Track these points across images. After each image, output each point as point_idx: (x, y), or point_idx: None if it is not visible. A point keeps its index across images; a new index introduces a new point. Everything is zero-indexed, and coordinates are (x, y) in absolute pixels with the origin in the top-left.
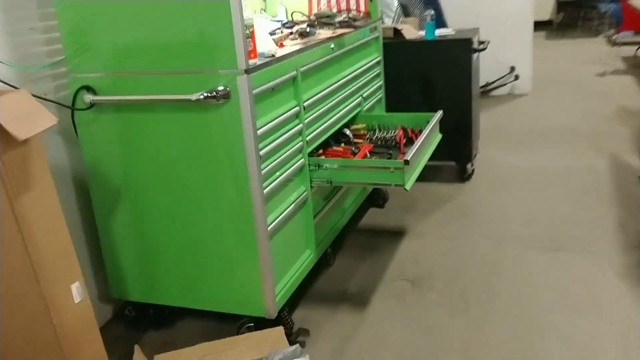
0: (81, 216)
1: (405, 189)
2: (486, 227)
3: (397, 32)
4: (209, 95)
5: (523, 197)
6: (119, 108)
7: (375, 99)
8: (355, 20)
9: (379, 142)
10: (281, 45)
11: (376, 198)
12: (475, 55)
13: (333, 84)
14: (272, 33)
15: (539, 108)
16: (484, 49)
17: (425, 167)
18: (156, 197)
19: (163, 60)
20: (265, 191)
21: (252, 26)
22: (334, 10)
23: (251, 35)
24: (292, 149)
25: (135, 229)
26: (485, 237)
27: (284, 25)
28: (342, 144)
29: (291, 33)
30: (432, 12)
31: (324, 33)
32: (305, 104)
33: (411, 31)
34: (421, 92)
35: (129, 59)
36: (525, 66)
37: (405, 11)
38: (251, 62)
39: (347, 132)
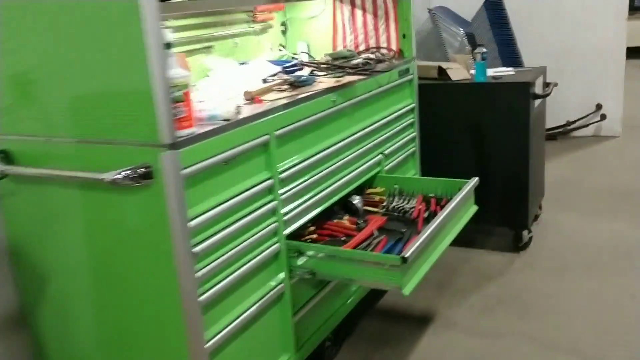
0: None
1: (403, 294)
2: (536, 327)
3: (442, 71)
4: (126, 175)
5: (593, 286)
6: (39, 180)
7: (404, 154)
8: (379, 61)
9: (396, 214)
10: (257, 101)
11: None
12: (537, 102)
13: (334, 145)
14: (265, 80)
15: (628, 157)
16: (547, 95)
17: (472, 228)
18: (80, 288)
19: (79, 124)
20: (202, 298)
21: (186, 86)
22: (362, 47)
23: (184, 98)
24: (260, 232)
25: (61, 321)
26: (534, 342)
27: (285, 69)
28: (348, 215)
29: (283, 82)
30: (484, 50)
31: (325, 81)
32: (283, 175)
33: (460, 72)
34: (468, 145)
35: (43, 121)
36: (615, 104)
37: (471, 41)
38: (184, 132)
39: (355, 201)
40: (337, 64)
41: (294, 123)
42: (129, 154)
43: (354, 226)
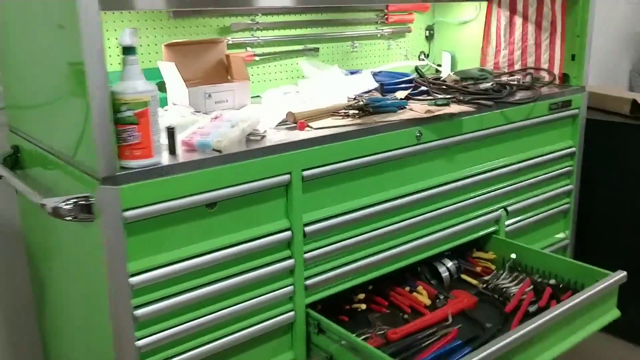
0: None
1: None
2: None
3: (637, 107)
4: (68, 204)
5: None
6: None
7: (547, 212)
8: (526, 88)
9: (494, 296)
10: (301, 126)
11: None
12: None
13: (413, 193)
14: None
15: None
16: None
17: None
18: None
19: (46, 132)
20: None
21: (144, 104)
22: (517, 65)
23: (138, 120)
24: (267, 295)
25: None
26: None
27: (385, 86)
28: (429, 282)
29: (351, 106)
30: None
31: (418, 108)
32: (310, 227)
33: None
34: None
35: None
36: None
37: None
38: (133, 163)
39: (444, 267)
40: (457, 86)
41: (337, 162)
42: (78, 180)
43: (429, 301)
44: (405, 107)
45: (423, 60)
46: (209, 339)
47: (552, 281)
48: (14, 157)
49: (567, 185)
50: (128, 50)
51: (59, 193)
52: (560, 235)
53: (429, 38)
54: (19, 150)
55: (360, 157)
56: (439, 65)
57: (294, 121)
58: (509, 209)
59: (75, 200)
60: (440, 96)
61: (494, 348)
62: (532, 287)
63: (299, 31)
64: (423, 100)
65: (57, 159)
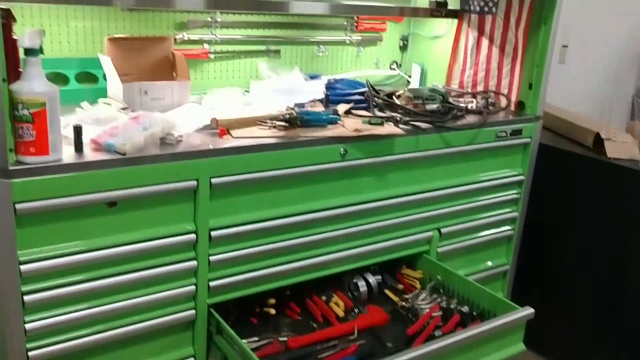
0: None
1: None
2: None
3: (599, 141)
4: None
5: None
6: None
7: (488, 237)
8: (477, 112)
9: (408, 313)
10: (222, 133)
11: None
12: None
13: (332, 208)
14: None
15: None
16: None
17: None
18: None
19: None
20: (34, 354)
21: (40, 104)
22: (480, 86)
23: (33, 119)
24: (168, 292)
25: None
26: None
27: (330, 97)
28: (350, 294)
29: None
30: None
31: (349, 125)
32: (217, 232)
33: (626, 148)
34: (604, 264)
35: None
36: None
37: None
38: (28, 159)
39: (363, 281)
40: (402, 104)
41: (250, 172)
42: None
43: (343, 313)
44: (337, 123)
45: (394, 69)
46: (105, 328)
47: (466, 308)
48: None
49: (512, 212)
50: (28, 52)
51: None
52: (502, 260)
53: (403, 48)
54: None
55: (276, 169)
56: (410, 77)
57: (217, 127)
58: (442, 230)
59: None
60: (379, 114)
61: None
62: (440, 312)
63: (260, 32)
64: (360, 116)
65: None
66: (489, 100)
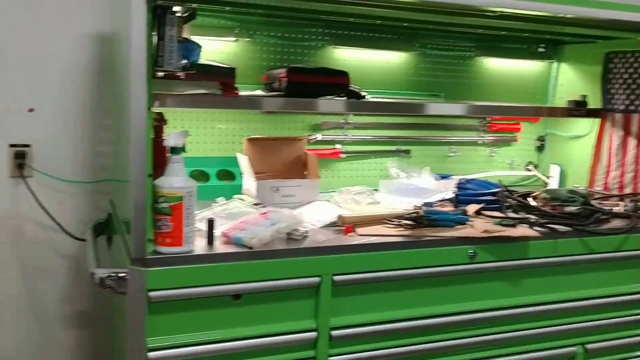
0: None
1: None
2: None
3: None
4: (112, 278)
5: None
6: None
7: None
8: (626, 216)
9: None
10: (347, 231)
11: None
12: None
13: (462, 313)
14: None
15: None
16: None
17: None
18: None
19: None
20: None
21: (178, 198)
22: (628, 189)
23: (171, 212)
24: None
25: None
26: None
27: (460, 197)
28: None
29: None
30: None
31: (479, 226)
32: (338, 332)
33: None
34: None
35: None
36: None
37: None
38: (164, 249)
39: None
40: (539, 206)
41: (374, 271)
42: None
43: None
44: (465, 223)
45: (530, 170)
46: None
47: None
48: (105, 224)
49: None
50: (173, 150)
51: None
52: None
53: (540, 149)
54: (110, 218)
55: (401, 269)
56: (548, 177)
57: (343, 224)
58: (588, 347)
59: (116, 274)
60: (511, 215)
61: None
62: None
63: (391, 132)
64: (491, 217)
65: (121, 233)
66: (639, 203)
